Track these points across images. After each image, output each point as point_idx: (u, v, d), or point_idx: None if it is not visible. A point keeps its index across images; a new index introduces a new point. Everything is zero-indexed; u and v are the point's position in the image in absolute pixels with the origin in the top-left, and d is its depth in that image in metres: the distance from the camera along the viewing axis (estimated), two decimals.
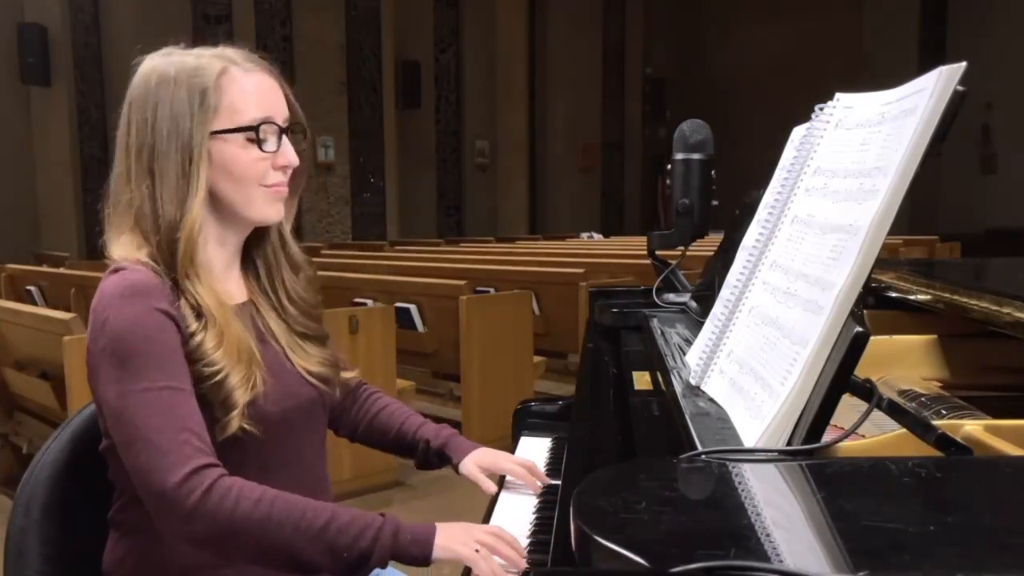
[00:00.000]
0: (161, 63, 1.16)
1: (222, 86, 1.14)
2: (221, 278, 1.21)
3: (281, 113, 1.19)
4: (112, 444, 1.15)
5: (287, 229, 1.29)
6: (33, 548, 1.21)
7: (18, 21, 9.06)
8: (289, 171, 1.20)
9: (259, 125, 1.15)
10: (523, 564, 1.07)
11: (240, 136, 1.15)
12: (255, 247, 1.27)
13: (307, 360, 1.25)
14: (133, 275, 1.10)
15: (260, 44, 10.42)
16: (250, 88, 1.16)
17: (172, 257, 1.12)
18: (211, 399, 1.10)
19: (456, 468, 1.35)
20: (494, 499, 1.33)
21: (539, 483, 1.32)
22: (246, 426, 1.10)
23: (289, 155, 1.19)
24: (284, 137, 1.18)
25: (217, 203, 1.17)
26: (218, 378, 1.09)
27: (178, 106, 1.12)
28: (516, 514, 1.27)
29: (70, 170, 9.21)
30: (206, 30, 9.89)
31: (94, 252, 9.38)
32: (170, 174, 1.12)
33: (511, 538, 1.10)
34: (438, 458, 1.38)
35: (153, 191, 1.13)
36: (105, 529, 1.23)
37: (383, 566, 1.06)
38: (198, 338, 1.10)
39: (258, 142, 1.15)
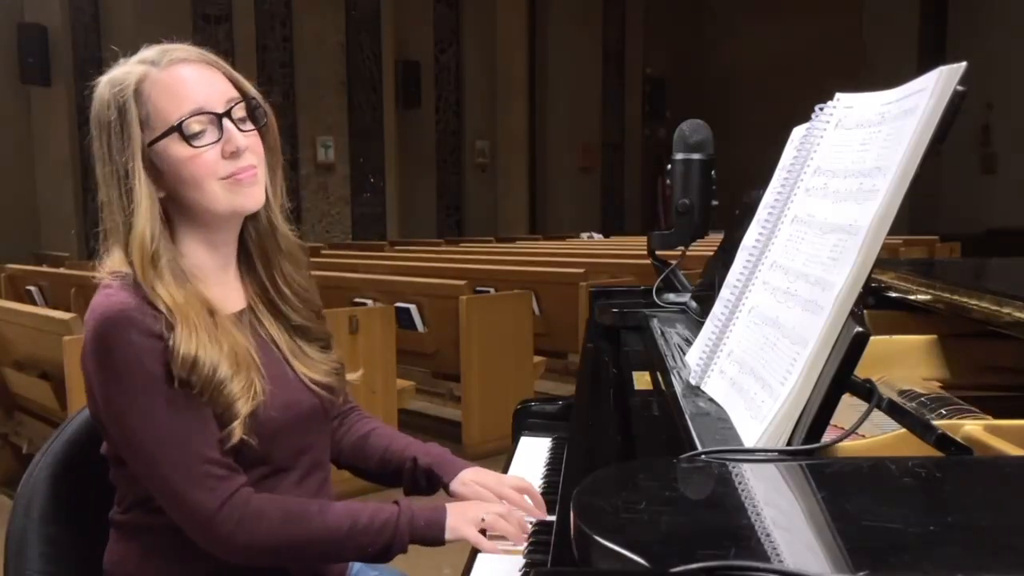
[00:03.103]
0: (101, 84, 1.14)
1: (143, 93, 1.11)
2: (216, 283, 1.18)
3: (217, 98, 1.13)
4: (114, 448, 1.16)
5: (276, 212, 1.22)
6: (33, 548, 1.21)
7: (18, 21, 9.05)
8: (244, 154, 1.13)
9: (181, 122, 1.10)
10: (523, 540, 1.14)
11: (174, 138, 1.11)
12: (247, 238, 1.22)
13: (311, 368, 1.22)
14: (122, 296, 1.08)
15: (260, 44, 10.42)
16: (170, 86, 1.11)
17: (144, 270, 1.10)
18: (213, 409, 1.09)
19: (447, 489, 1.28)
20: None
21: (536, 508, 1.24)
22: (246, 437, 1.09)
23: (234, 139, 1.12)
24: (226, 122, 1.12)
25: (188, 209, 1.14)
26: (215, 387, 1.08)
27: (112, 130, 1.11)
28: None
29: (70, 170, 9.19)
30: (206, 30, 9.88)
31: (94, 252, 9.36)
32: (114, 195, 1.11)
33: (519, 518, 1.17)
34: (426, 479, 1.30)
35: (112, 214, 1.13)
36: (105, 529, 1.23)
37: (404, 551, 1.14)
38: (175, 343, 1.07)
39: (187, 139, 1.10)
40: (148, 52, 1.14)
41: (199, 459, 1.07)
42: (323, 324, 1.29)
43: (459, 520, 1.14)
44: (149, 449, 1.07)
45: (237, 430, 1.08)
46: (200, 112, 1.11)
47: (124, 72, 1.13)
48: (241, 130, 1.14)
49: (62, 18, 9.08)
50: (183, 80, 1.12)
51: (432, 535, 1.14)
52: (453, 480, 1.27)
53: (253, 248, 1.23)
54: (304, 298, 1.25)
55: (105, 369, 1.07)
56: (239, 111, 1.15)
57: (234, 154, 1.12)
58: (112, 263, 1.13)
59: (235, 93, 1.15)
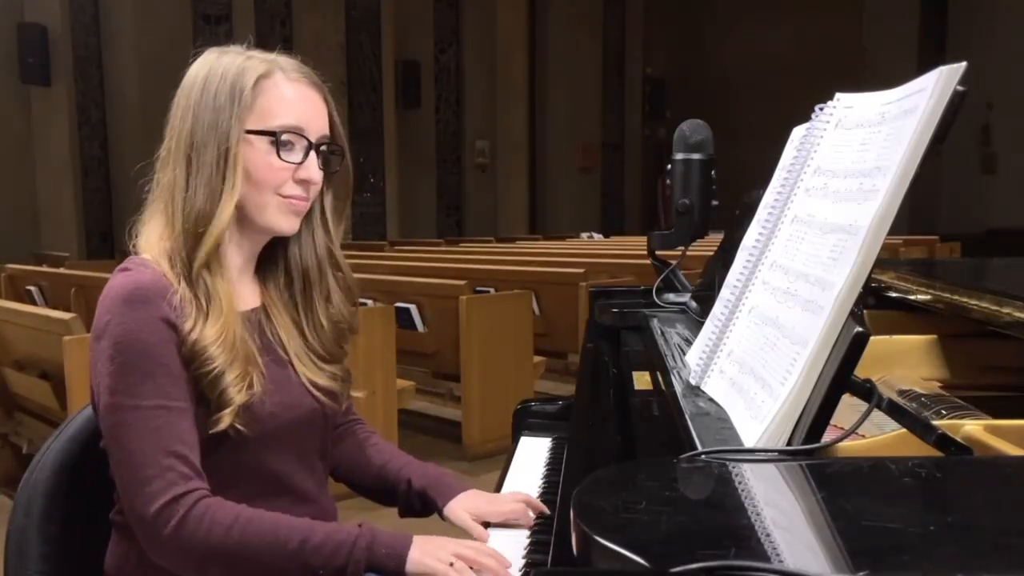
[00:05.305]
0: (214, 57, 1.18)
1: (261, 87, 1.15)
2: (234, 280, 1.20)
3: (316, 129, 1.18)
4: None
5: (337, 246, 1.27)
6: (33, 548, 1.22)
7: (18, 21, 9.04)
8: (310, 187, 1.18)
9: (282, 132, 1.15)
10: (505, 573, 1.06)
11: (265, 139, 1.15)
12: (291, 256, 1.25)
13: (315, 373, 1.23)
14: (140, 276, 1.10)
15: (260, 44, 10.38)
16: (287, 96, 1.17)
17: (194, 246, 1.12)
18: (207, 395, 1.10)
19: (441, 514, 1.26)
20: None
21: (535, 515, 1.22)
22: (238, 426, 1.10)
23: (311, 170, 1.17)
24: (312, 153, 1.17)
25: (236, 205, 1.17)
26: (214, 374, 1.09)
27: (220, 99, 1.14)
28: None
29: (70, 170, 9.19)
30: (206, 30, 9.87)
31: (94, 252, 9.40)
32: (206, 164, 1.13)
33: (492, 552, 1.09)
34: (421, 502, 1.28)
35: (188, 178, 1.14)
36: (106, 529, 1.23)
37: None
38: (196, 333, 1.09)
39: (278, 148, 1.15)
40: (278, 57, 1.20)
41: (165, 451, 1.05)
42: (341, 351, 1.28)
43: (424, 554, 1.06)
44: (123, 430, 1.06)
45: (227, 417, 1.09)
46: (298, 132, 1.16)
47: (248, 59, 1.17)
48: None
49: (62, 18, 9.06)
50: (299, 97, 1.18)
51: (393, 565, 1.06)
52: (446, 505, 1.26)
53: (294, 265, 1.25)
54: (329, 332, 1.26)
55: (107, 344, 1.08)
56: (323, 150, 1.20)
57: (303, 182, 1.17)
58: (148, 237, 1.16)
59: (327, 133, 1.21)
